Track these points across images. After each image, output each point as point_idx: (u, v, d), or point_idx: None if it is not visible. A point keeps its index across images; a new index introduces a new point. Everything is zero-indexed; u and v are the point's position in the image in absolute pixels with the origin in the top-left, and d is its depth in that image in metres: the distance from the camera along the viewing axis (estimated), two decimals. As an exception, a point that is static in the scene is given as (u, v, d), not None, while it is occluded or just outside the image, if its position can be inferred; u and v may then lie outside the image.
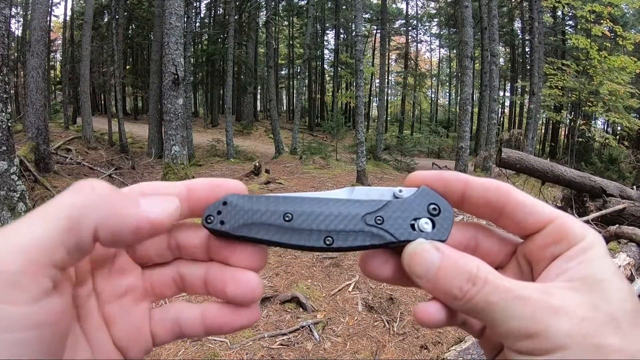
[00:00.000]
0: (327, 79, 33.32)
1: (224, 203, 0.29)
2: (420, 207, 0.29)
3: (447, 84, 33.89)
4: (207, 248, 0.31)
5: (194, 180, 0.31)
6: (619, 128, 21.96)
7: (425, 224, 0.28)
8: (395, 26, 29.99)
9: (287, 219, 0.28)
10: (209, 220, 0.29)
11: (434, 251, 0.27)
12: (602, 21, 16.24)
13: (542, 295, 0.25)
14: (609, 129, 24.36)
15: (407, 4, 30.39)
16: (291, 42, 30.99)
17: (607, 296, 0.25)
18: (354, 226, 0.28)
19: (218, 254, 0.30)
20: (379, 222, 0.28)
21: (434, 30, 32.72)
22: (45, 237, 0.21)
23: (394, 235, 0.28)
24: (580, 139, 18.60)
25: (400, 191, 0.30)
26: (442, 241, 0.28)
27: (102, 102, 27.93)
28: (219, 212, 0.29)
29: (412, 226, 0.28)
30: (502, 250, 0.32)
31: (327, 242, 0.28)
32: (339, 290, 3.57)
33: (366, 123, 26.09)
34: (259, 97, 32.96)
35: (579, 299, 0.25)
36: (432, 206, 0.29)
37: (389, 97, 34.00)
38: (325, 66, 32.19)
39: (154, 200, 0.27)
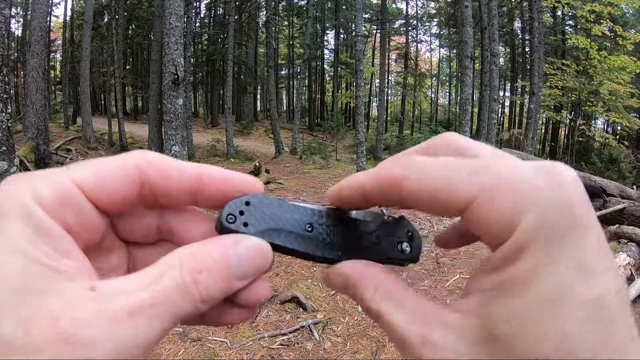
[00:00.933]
0: (327, 79, 33.30)
1: (247, 203, 0.28)
2: (401, 232, 0.32)
3: (447, 84, 33.88)
4: None
5: (209, 170, 0.26)
6: (619, 128, 21.95)
7: (406, 247, 0.31)
8: (395, 26, 29.96)
9: (309, 229, 0.29)
10: (230, 220, 0.27)
11: (338, 278, 0.27)
12: (602, 21, 16.24)
13: (415, 337, 0.21)
14: (609, 129, 24.34)
15: (407, 4, 30.38)
16: (291, 42, 30.97)
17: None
18: (363, 242, 0.31)
19: None
20: (376, 241, 0.31)
21: (434, 30, 32.72)
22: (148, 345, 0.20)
23: (387, 253, 0.31)
24: (580, 139, 18.60)
25: (388, 217, 0.32)
26: (415, 262, 0.31)
27: (102, 102, 27.93)
28: (241, 212, 0.27)
29: (397, 247, 0.31)
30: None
31: (338, 255, 0.30)
32: (339, 290, 3.57)
33: (366, 123, 26.08)
34: (259, 97, 32.94)
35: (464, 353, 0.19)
36: (409, 233, 0.32)
37: (389, 97, 33.99)
38: (325, 66, 32.18)
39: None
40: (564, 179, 0.18)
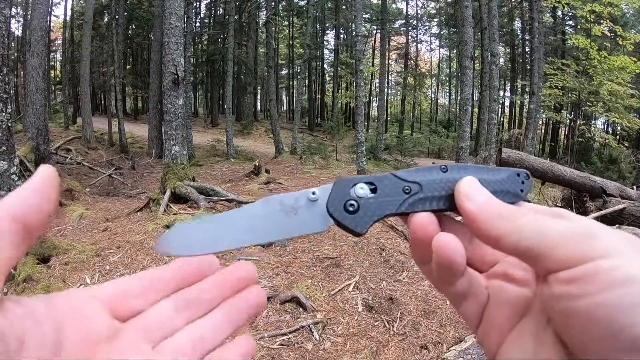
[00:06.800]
0: (327, 79, 33.28)
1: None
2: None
3: (447, 84, 33.86)
4: None
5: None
6: (619, 128, 21.95)
7: (360, 189, 0.31)
8: (395, 26, 29.94)
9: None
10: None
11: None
12: (602, 21, 16.24)
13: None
14: (609, 129, 24.34)
15: (407, 4, 30.37)
16: (291, 42, 30.96)
17: None
18: None
19: None
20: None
21: (434, 30, 32.70)
22: None
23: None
24: (580, 139, 18.59)
25: (314, 193, 0.32)
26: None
27: (102, 102, 27.92)
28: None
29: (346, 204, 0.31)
30: None
31: None
32: (339, 290, 3.57)
33: (366, 123, 26.07)
34: (259, 97, 32.93)
35: None
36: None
37: (389, 97, 33.98)
38: (325, 66, 32.16)
39: None
40: None
